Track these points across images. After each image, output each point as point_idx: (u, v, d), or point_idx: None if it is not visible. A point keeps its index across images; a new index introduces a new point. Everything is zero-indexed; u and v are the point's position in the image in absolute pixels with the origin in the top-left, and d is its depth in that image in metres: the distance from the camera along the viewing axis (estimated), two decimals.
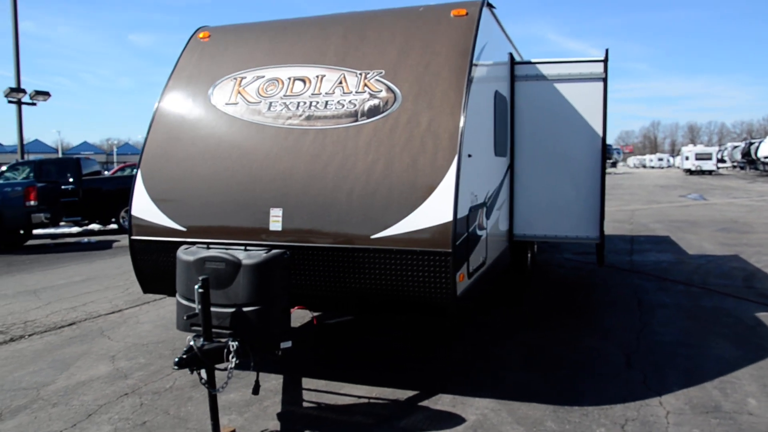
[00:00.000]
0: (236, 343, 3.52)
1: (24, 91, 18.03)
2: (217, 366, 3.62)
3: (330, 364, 5.05)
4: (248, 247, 3.76)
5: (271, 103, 4.60)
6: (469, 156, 4.18)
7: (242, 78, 4.82)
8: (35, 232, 13.73)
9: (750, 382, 4.48)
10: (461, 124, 3.99)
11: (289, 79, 4.65)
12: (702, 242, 11.59)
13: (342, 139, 4.26)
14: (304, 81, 4.60)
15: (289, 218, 4.23)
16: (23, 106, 17.90)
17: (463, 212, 4.04)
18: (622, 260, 9.87)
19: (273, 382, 4.66)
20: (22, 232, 12.77)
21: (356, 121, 4.28)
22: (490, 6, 4.90)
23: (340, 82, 4.47)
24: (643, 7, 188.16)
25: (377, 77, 4.39)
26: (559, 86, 6.30)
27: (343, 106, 4.37)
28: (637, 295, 7.43)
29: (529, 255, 8.24)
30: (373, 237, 3.99)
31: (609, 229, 14.42)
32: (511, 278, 8.10)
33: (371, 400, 4.27)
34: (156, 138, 4.87)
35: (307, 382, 4.64)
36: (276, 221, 4.26)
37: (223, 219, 4.43)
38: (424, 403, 4.20)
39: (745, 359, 4.99)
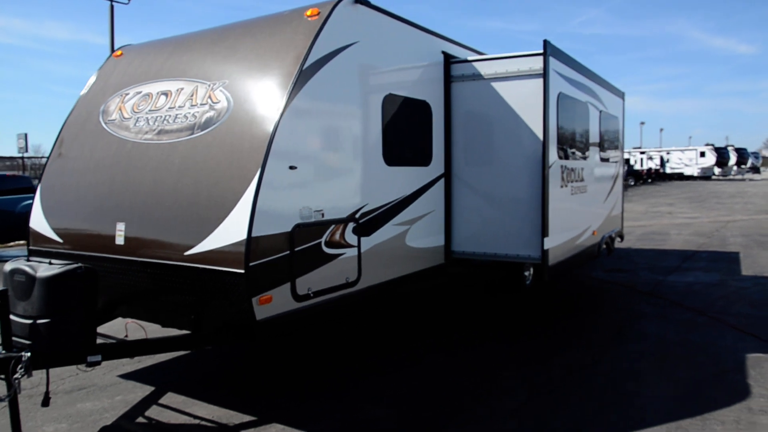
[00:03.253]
0: (28, 354, 3.58)
1: None
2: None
3: (209, 381, 4.97)
4: (53, 261, 3.82)
5: (138, 118, 4.64)
6: (292, 168, 3.87)
7: (126, 94, 4.93)
8: None
9: None
10: (271, 132, 3.71)
11: (157, 93, 4.67)
12: None
13: (177, 153, 4.17)
14: (167, 95, 4.59)
15: (130, 232, 4.24)
16: None
17: (273, 229, 3.73)
18: (651, 280, 8.58)
19: (138, 394, 4.68)
20: None
21: (192, 134, 4.17)
22: (361, 1, 4.50)
23: (192, 95, 4.39)
24: None
25: (221, 87, 4.25)
26: (497, 86, 5.63)
27: (188, 118, 4.28)
28: (626, 323, 6.40)
29: (528, 273, 7.47)
30: (186, 254, 3.85)
31: (679, 242, 12.74)
32: (503, 299, 7.47)
33: (201, 422, 4.11)
34: (56, 153, 5.16)
35: (167, 397, 4.59)
36: (120, 235, 4.29)
37: (87, 231, 4.56)
38: (248, 431, 3.95)
39: (669, 415, 4.05)
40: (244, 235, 3.56)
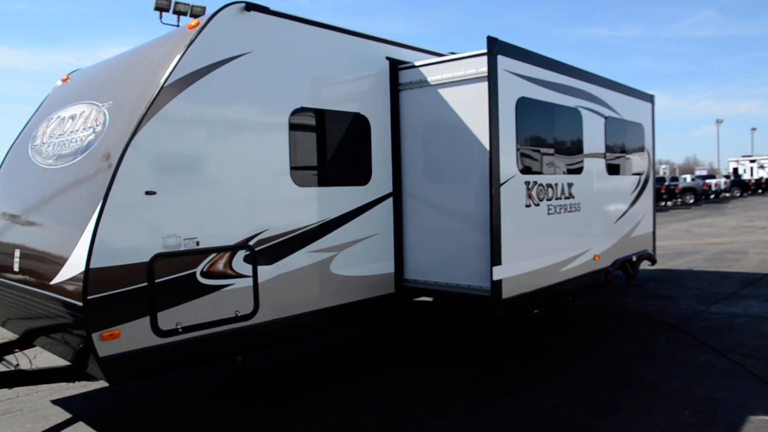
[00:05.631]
0: None
1: None
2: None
3: (128, 414, 4.77)
4: None
5: (50, 143, 4.60)
6: (150, 193, 3.56)
7: (50, 119, 4.93)
8: None
9: None
10: (119, 157, 3.44)
11: (68, 117, 4.60)
12: None
13: (60, 179, 4.03)
14: (74, 118, 4.50)
15: (22, 259, 4.15)
16: None
17: (124, 260, 3.43)
18: (689, 311, 7.33)
19: (51, 421, 4.56)
20: None
21: (75, 158, 4.01)
22: (256, 8, 4.13)
23: (87, 118, 4.26)
24: None
25: (105, 109, 4.07)
26: (444, 92, 5.01)
27: (77, 143, 4.14)
28: (624, 364, 5.43)
29: None
30: (50, 283, 3.67)
31: (754, 264, 11.00)
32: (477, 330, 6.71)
33: None
34: None
35: (74, 428, 4.44)
36: (17, 261, 4.22)
37: (6, 258, 4.55)
38: None
39: None
40: (82, 267, 3.30)
